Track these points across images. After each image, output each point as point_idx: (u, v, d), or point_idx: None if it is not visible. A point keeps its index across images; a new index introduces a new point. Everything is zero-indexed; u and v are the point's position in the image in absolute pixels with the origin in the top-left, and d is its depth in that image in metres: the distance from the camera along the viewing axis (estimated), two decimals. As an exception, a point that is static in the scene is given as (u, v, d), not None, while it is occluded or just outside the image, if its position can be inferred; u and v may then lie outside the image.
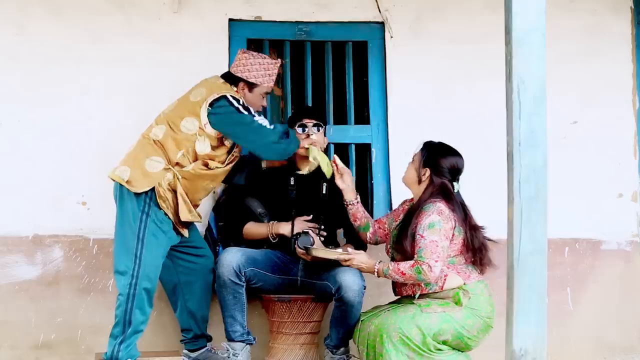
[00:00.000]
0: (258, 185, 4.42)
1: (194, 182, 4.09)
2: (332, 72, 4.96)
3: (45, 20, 4.65)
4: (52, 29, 4.65)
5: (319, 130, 4.41)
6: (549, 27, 3.03)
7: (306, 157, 4.35)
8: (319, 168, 4.32)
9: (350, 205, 4.29)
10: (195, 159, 4.09)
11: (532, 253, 2.99)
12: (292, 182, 4.42)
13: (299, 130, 4.41)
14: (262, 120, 4.10)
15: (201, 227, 4.62)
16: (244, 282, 4.15)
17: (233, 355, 4.19)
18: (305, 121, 4.43)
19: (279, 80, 5.09)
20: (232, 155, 4.20)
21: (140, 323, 3.98)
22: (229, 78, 4.19)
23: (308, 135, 4.37)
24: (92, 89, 4.67)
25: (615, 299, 4.95)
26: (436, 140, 4.11)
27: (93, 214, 4.62)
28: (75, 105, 4.66)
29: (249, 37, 4.86)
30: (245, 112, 4.05)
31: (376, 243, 4.31)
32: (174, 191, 4.04)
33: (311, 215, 4.37)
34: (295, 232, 4.28)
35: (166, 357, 4.20)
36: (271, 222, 4.38)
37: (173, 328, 4.52)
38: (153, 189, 4.01)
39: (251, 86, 4.18)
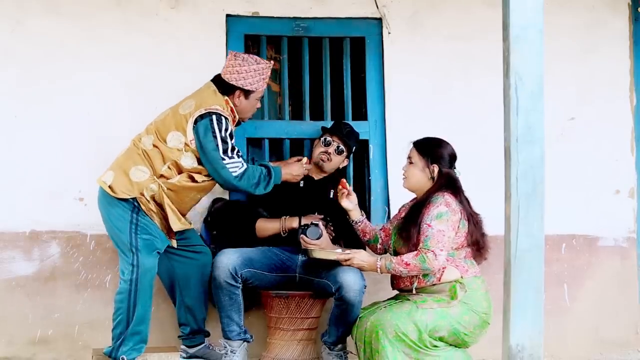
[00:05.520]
0: None
1: (180, 193, 4.07)
2: (329, 68, 4.95)
3: (42, 16, 4.64)
4: (49, 25, 4.64)
5: (339, 154, 4.45)
6: (546, 23, 3.04)
7: (318, 165, 4.48)
8: (329, 175, 4.46)
9: (358, 223, 4.27)
10: (181, 171, 4.05)
11: (529, 249, 3.00)
12: (301, 185, 4.44)
13: (322, 141, 4.47)
14: (231, 161, 3.98)
15: (199, 225, 4.63)
16: (239, 284, 4.14)
17: (231, 352, 4.20)
18: (334, 138, 4.47)
19: (277, 76, 5.09)
20: None
21: (141, 321, 3.98)
22: (222, 85, 4.09)
23: (327, 152, 4.44)
24: (89, 85, 4.66)
25: (612, 295, 4.95)
26: (430, 138, 4.13)
27: (90, 210, 4.59)
28: (72, 101, 4.65)
29: (247, 32, 4.86)
30: (220, 143, 3.94)
31: (385, 252, 4.26)
32: (159, 204, 4.02)
33: (322, 215, 4.39)
34: (303, 222, 4.28)
35: (163, 352, 4.20)
36: (283, 217, 4.38)
37: (170, 324, 4.52)
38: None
39: (247, 93, 4.11)
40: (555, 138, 4.81)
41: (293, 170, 4.27)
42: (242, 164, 4.01)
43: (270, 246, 4.40)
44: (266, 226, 4.41)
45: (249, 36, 4.90)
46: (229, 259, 4.13)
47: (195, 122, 3.98)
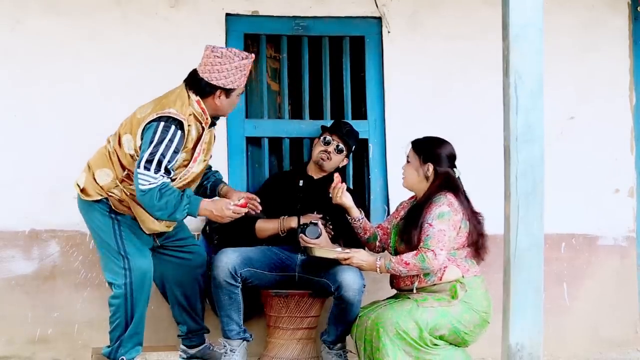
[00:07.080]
0: (267, 185, 4.40)
1: None
2: (329, 67, 4.95)
3: (41, 15, 4.64)
4: (49, 25, 4.64)
5: (339, 153, 4.44)
6: (546, 22, 3.04)
7: (318, 164, 4.45)
8: (328, 174, 4.40)
9: (360, 220, 4.20)
10: None
11: (528, 248, 3.00)
12: (300, 184, 4.44)
13: (322, 140, 4.46)
14: (145, 173, 3.65)
15: (200, 223, 4.62)
16: (239, 283, 4.13)
17: (230, 351, 4.19)
18: (334, 137, 4.46)
19: (277, 75, 5.09)
20: (183, 179, 3.86)
21: (140, 322, 3.96)
22: (199, 84, 3.81)
23: (327, 151, 4.42)
24: (89, 84, 4.66)
25: (611, 294, 4.96)
26: (429, 137, 4.11)
27: (90, 209, 4.62)
28: (72, 100, 4.65)
29: (246, 31, 4.86)
30: (148, 151, 3.64)
31: (382, 250, 4.25)
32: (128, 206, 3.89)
33: (321, 214, 4.37)
34: (302, 222, 4.28)
35: (162, 351, 4.19)
36: (282, 217, 4.38)
37: (169, 323, 4.51)
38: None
39: (229, 92, 3.83)
40: (554, 137, 4.81)
41: (215, 207, 3.81)
42: (156, 182, 3.66)
43: (269, 245, 4.40)
44: (265, 226, 4.41)
45: (249, 35, 4.90)
46: (229, 259, 4.13)
47: (147, 124, 3.74)
